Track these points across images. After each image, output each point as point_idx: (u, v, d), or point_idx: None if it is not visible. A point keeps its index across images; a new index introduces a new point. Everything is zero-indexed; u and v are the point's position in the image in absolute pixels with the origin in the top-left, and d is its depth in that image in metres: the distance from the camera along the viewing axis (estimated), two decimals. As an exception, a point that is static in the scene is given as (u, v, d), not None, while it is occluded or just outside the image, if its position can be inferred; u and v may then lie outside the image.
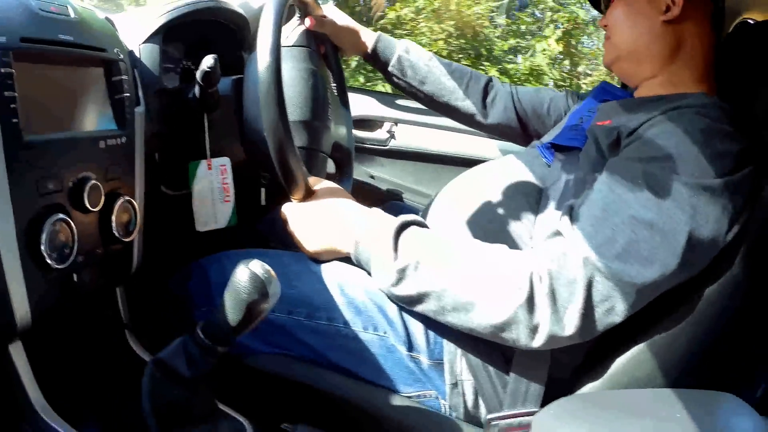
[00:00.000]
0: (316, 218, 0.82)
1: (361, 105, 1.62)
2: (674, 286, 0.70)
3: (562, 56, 4.30)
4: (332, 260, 0.83)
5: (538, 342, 0.68)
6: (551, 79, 4.15)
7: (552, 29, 4.23)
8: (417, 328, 0.77)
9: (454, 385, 0.77)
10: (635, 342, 0.74)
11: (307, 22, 1.04)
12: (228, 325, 0.65)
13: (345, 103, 1.15)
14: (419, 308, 0.73)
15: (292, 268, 0.82)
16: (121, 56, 0.80)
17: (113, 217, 0.75)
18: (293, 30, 0.98)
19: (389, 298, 0.78)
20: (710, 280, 0.72)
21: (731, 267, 0.71)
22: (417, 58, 1.18)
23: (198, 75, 0.84)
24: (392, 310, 0.78)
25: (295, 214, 0.84)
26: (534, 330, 0.67)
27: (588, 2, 1.08)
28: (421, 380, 0.78)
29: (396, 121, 1.65)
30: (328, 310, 0.78)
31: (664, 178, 0.69)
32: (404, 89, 1.21)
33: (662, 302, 0.72)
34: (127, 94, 0.79)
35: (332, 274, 0.81)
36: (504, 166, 0.89)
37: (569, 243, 0.69)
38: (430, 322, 0.76)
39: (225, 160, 0.88)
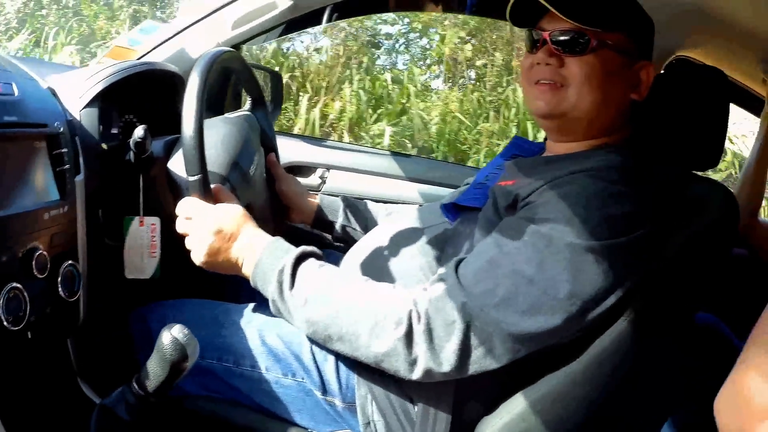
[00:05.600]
0: (221, 229, 0.93)
1: (292, 151, 1.71)
2: (566, 342, 0.85)
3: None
4: (250, 303, 1.02)
5: (416, 374, 0.84)
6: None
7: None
8: (330, 374, 0.95)
9: (367, 424, 0.94)
10: (533, 393, 0.88)
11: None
12: (156, 381, 0.87)
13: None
14: (311, 334, 0.90)
15: (221, 318, 1.01)
16: (62, 129, 0.98)
17: (59, 280, 0.94)
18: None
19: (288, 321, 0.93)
20: (601, 338, 0.85)
21: (621, 325, 0.84)
22: (355, 205, 1.34)
23: (131, 143, 1.02)
24: (307, 358, 0.96)
25: (200, 214, 0.95)
26: (412, 363, 0.84)
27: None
28: (337, 421, 0.97)
29: (328, 167, 1.75)
30: (251, 358, 0.97)
31: (550, 239, 0.82)
32: (349, 239, 1.31)
33: (556, 357, 0.86)
34: (68, 166, 0.97)
35: (254, 325, 0.99)
36: (407, 227, 1.05)
37: (450, 288, 0.83)
38: (341, 368, 0.95)
39: (155, 220, 1.06)
